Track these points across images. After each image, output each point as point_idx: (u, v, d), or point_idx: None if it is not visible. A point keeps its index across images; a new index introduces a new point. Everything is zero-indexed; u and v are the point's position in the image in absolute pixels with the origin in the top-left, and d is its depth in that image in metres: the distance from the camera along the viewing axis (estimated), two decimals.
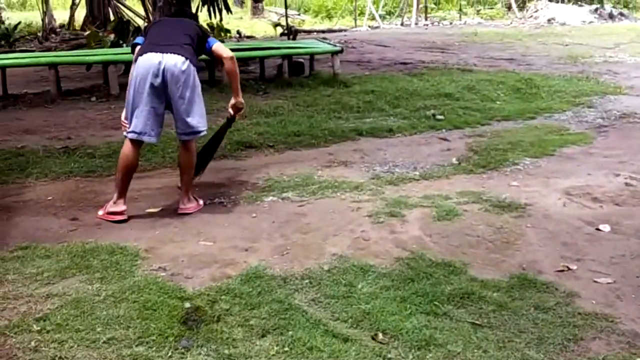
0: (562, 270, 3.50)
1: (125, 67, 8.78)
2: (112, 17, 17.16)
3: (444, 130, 6.58)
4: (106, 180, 5.07)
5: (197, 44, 4.33)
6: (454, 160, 5.52)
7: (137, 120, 4.20)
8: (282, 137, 6.18)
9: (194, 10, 9.29)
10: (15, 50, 14.25)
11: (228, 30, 12.04)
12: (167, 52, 4.13)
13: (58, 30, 18.31)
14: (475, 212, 4.31)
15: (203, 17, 10.07)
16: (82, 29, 17.56)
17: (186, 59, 4.16)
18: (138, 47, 4.34)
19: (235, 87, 4.50)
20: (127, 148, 4.29)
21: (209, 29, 11.25)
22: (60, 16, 19.91)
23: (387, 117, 7.01)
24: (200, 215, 4.36)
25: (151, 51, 4.16)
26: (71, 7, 18.78)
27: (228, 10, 11.24)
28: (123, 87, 8.31)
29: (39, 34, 17.94)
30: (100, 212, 4.33)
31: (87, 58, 8.46)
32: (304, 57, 9.47)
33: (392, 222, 4.14)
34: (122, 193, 4.31)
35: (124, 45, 10.02)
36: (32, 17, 20.74)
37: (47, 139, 6.33)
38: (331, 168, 5.37)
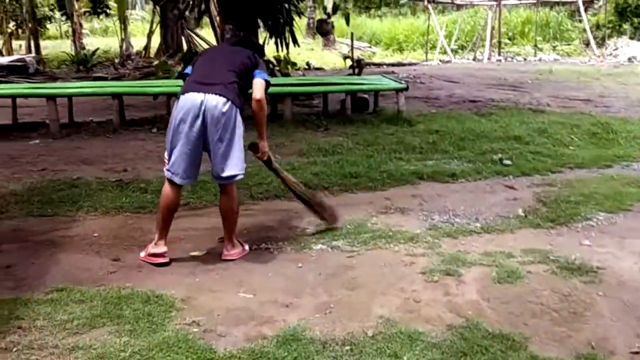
0: (638, 352, 3.09)
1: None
2: (185, 46, 17.56)
3: (510, 177, 6.18)
4: (154, 217, 4.94)
5: (245, 75, 4.16)
6: (520, 211, 5.13)
7: (174, 159, 4.06)
8: (338, 178, 5.94)
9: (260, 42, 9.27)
10: (91, 77, 14.71)
11: (294, 63, 11.98)
12: (209, 93, 3.98)
13: (133, 57, 18.85)
14: (541, 274, 3.92)
15: (271, 50, 10.03)
16: (156, 57, 18.04)
17: (228, 100, 4.00)
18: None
19: (259, 130, 4.28)
20: (167, 187, 4.16)
21: (274, 62, 11.27)
22: (139, 43, 20.46)
23: (450, 160, 6.68)
24: (244, 263, 4.16)
25: (193, 90, 4.01)
26: (148, 35, 19.31)
27: (295, 42, 11.21)
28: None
29: (116, 60, 18.53)
30: (142, 254, 4.19)
31: (149, 89, 8.52)
32: (368, 92, 9.25)
33: (447, 281, 3.81)
34: (162, 234, 4.17)
35: None
36: (112, 43, 21.41)
37: (104, 170, 6.31)
38: (387, 215, 5.08)
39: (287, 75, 11.27)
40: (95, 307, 3.46)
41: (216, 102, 3.96)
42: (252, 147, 4.34)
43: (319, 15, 22.54)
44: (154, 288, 3.72)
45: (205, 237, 4.60)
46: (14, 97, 8.21)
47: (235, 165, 4.11)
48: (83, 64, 18.22)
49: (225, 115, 3.99)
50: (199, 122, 3.96)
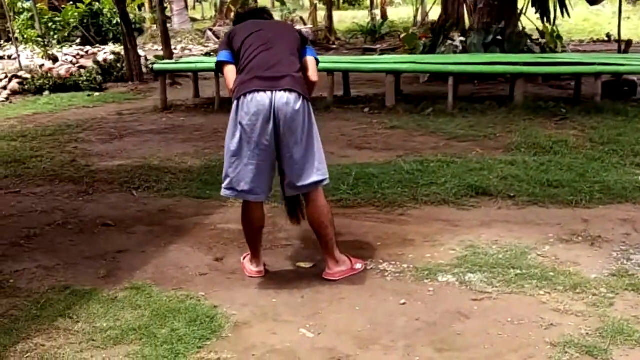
0: None
1: (430, 75, 8.02)
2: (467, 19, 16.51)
3: None
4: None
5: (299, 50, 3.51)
6: None
7: (242, 175, 3.38)
8: (532, 185, 4.74)
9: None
10: (361, 48, 14.73)
11: (559, 37, 10.30)
12: (277, 89, 3.25)
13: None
14: None
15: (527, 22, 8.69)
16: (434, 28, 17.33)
17: (299, 95, 3.27)
18: (231, 72, 3.45)
19: None
20: (245, 205, 3.56)
21: (540, 35, 9.83)
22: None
23: None
24: (341, 286, 3.42)
25: (258, 88, 3.27)
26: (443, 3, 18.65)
27: (564, 12, 9.63)
28: (402, 99, 7.75)
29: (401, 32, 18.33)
30: (243, 259, 3.73)
31: (364, 66, 7.93)
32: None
33: None
34: (254, 254, 3.63)
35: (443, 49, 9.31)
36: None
37: None
38: (567, 244, 3.85)
39: (553, 51, 9.76)
40: (142, 317, 3.09)
41: (287, 100, 3.24)
42: None
43: None
44: (220, 303, 3.23)
45: (347, 242, 3.96)
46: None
47: (318, 170, 3.39)
48: (372, 35, 18.45)
49: (300, 113, 3.28)
50: (270, 127, 3.26)
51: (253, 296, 3.34)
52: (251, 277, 3.58)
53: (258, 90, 3.27)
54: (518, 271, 3.47)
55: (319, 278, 3.52)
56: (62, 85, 10.00)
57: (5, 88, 10.05)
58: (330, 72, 7.56)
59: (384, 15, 23.50)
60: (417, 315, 3.09)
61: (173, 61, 9.57)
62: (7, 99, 9.59)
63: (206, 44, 20.52)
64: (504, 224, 4.22)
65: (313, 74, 3.49)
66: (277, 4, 27.10)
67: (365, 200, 4.70)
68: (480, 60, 7.46)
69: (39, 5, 13.43)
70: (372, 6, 25.10)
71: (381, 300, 3.26)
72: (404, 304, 3.21)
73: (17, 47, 11.28)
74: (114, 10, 22.99)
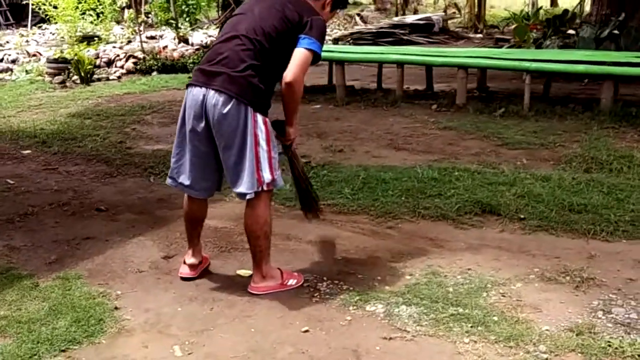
0: None
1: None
2: None
3: None
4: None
5: (284, 41, 3.03)
6: None
7: (178, 166, 3.23)
8: (550, 208, 4.07)
9: None
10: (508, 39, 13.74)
11: None
12: (210, 87, 2.99)
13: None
14: None
15: None
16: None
17: (230, 97, 2.96)
18: None
19: (287, 116, 3.18)
20: (185, 197, 3.38)
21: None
22: None
23: None
24: (258, 304, 3.14)
25: (195, 82, 3.07)
26: None
27: None
28: (481, 97, 7.06)
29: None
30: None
31: (432, 59, 7.31)
32: None
33: None
34: (190, 244, 3.45)
35: (548, 43, 8.43)
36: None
37: (323, 148, 5.72)
38: (547, 283, 3.25)
39: None
40: (39, 310, 3.05)
41: (215, 101, 2.97)
42: (276, 127, 3.20)
43: None
44: (124, 306, 3.11)
45: (298, 253, 3.70)
46: None
47: (246, 182, 3.07)
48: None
49: (228, 117, 2.98)
50: (202, 125, 3.05)
51: (163, 301, 3.18)
52: (183, 277, 3.42)
53: (195, 85, 3.08)
54: (460, 310, 2.99)
55: (245, 292, 3.27)
56: (171, 67, 10.40)
57: (122, 67, 10.67)
58: (399, 64, 7.09)
59: (554, 2, 21.88)
60: (308, 347, 2.75)
61: None
62: (118, 77, 10.16)
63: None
64: (493, 250, 3.67)
65: (289, 72, 3.00)
66: None
67: (361, 207, 4.32)
68: (557, 57, 6.58)
69: None
70: None
71: (285, 325, 2.95)
72: (305, 331, 2.88)
73: (138, 27, 11.91)
74: None
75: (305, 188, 3.52)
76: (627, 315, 2.91)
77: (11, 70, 11.54)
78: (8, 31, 22.73)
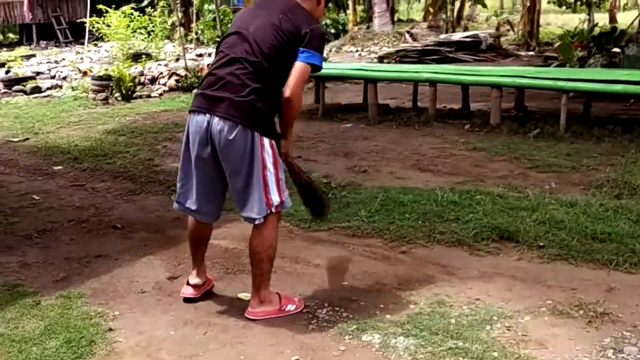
0: None
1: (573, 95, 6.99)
2: None
3: None
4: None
5: (285, 54, 2.97)
6: None
7: (184, 190, 3.21)
8: (572, 236, 3.87)
9: None
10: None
11: None
12: (214, 113, 2.95)
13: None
14: None
15: None
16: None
17: (236, 124, 2.92)
18: None
19: (283, 128, 3.15)
20: (190, 218, 3.35)
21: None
22: None
23: None
24: (252, 329, 3.07)
25: (197, 108, 3.03)
26: None
27: None
28: (517, 117, 6.83)
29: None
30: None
31: (462, 77, 7.12)
32: None
33: None
34: (194, 264, 3.41)
35: (591, 62, 8.14)
36: None
37: (347, 168, 5.63)
38: (558, 317, 3.07)
39: None
40: (35, 329, 3.05)
41: (220, 127, 2.94)
42: None
43: None
44: (119, 327, 3.09)
45: (304, 276, 3.62)
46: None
47: (253, 207, 3.03)
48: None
49: (235, 143, 2.95)
50: (208, 150, 3.01)
51: (159, 324, 3.14)
52: (186, 298, 3.38)
53: (198, 111, 3.05)
54: (459, 343, 2.84)
55: (241, 316, 3.20)
56: None
57: (165, 85, 10.84)
58: (432, 83, 6.95)
59: (613, 19, 21.32)
60: None
61: None
62: (160, 95, 10.32)
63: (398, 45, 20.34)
64: (507, 279, 3.50)
65: (287, 88, 2.98)
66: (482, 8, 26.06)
67: (376, 231, 4.21)
68: (596, 76, 6.30)
69: (222, 7, 14.30)
70: (589, 9, 22.94)
71: (277, 353, 2.86)
72: None
73: (183, 45, 12.10)
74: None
75: (307, 188, 3.41)
76: (638, 357, 2.71)
77: (60, 86, 11.88)
78: (66, 48, 23.57)
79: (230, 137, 2.93)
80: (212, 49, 14.58)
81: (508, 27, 22.76)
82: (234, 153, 2.97)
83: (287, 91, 2.95)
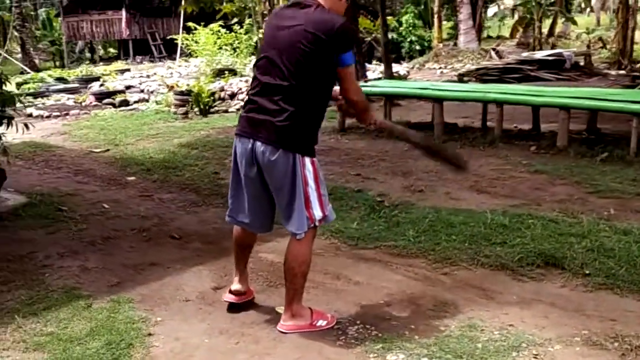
0: None
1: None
2: None
3: None
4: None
5: (312, 66, 3.03)
6: None
7: (239, 206, 3.36)
8: (621, 264, 3.74)
9: None
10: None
11: None
12: (257, 138, 3.11)
13: None
14: None
15: None
16: None
17: (276, 147, 3.06)
18: None
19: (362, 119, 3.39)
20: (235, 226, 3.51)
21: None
22: None
23: None
24: (282, 342, 3.16)
25: (241, 132, 3.20)
26: None
27: None
28: (574, 140, 6.58)
29: None
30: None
31: (528, 98, 6.95)
32: None
33: None
34: (236, 268, 3.57)
35: None
36: None
37: (403, 187, 5.67)
38: (590, 348, 2.99)
39: None
40: (82, 330, 3.28)
41: (263, 150, 3.09)
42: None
43: None
44: (158, 332, 3.26)
45: (345, 294, 3.69)
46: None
47: (294, 222, 3.16)
48: None
49: (277, 164, 3.10)
50: (255, 169, 3.18)
51: (195, 332, 3.29)
52: (231, 303, 3.52)
53: (242, 135, 3.21)
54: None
55: (272, 329, 3.30)
56: None
57: (242, 100, 11.19)
58: (499, 103, 6.85)
59: None
60: None
61: (362, 84, 9.63)
62: (237, 110, 10.66)
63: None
64: (545, 306, 3.44)
65: (347, 92, 3.15)
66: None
67: (421, 251, 4.23)
68: None
69: None
70: None
71: None
72: None
73: None
74: (410, 29, 23.93)
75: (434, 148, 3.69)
76: None
77: (147, 100, 12.50)
78: (159, 63, 24.72)
79: (273, 159, 3.07)
80: None
81: (600, 44, 22.02)
82: (276, 173, 3.11)
83: (351, 96, 3.19)
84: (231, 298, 3.51)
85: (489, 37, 32.57)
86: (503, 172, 5.87)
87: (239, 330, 3.31)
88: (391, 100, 7.90)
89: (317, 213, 3.17)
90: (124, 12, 27.20)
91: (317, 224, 3.19)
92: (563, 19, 27.45)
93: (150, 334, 3.25)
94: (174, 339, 3.21)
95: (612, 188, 5.19)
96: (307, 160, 3.13)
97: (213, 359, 3.03)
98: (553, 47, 20.27)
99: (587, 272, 3.74)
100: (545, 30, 28.75)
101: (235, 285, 3.53)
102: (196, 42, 17.14)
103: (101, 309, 3.53)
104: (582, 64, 15.23)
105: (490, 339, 3.10)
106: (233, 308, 3.51)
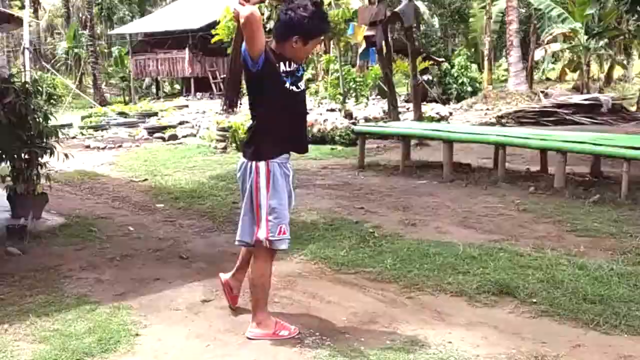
0: None
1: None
2: None
3: None
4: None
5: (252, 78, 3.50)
6: None
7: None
8: (567, 296, 4.08)
9: None
10: None
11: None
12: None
13: None
14: None
15: None
16: None
17: (244, 155, 3.68)
18: None
19: None
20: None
21: None
22: None
23: None
24: (246, 347, 3.66)
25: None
26: None
27: None
28: (573, 182, 6.83)
29: None
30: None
31: (524, 140, 7.27)
32: None
33: None
34: (237, 264, 4.17)
35: None
36: None
37: (398, 221, 6.10)
38: None
39: None
40: (82, 327, 3.86)
41: (240, 164, 3.72)
42: None
43: None
44: (146, 334, 3.81)
45: (323, 311, 4.17)
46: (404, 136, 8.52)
47: (246, 230, 3.72)
48: None
49: (242, 175, 3.68)
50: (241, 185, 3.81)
51: (176, 335, 3.82)
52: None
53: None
54: None
55: (242, 337, 3.81)
56: (321, 138, 11.36)
57: None
58: (499, 145, 7.24)
59: None
60: None
61: (378, 124, 10.14)
62: None
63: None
64: (488, 329, 3.82)
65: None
66: None
67: (394, 277, 4.66)
68: None
69: (345, 67, 15.27)
70: None
71: None
72: None
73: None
74: (462, 71, 24.33)
75: None
76: None
77: (194, 135, 13.34)
78: (218, 100, 25.84)
79: (238, 174, 3.70)
80: (335, 105, 15.54)
81: None
82: (244, 178, 3.67)
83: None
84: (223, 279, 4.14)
85: (548, 79, 32.60)
86: (494, 209, 6.25)
87: (214, 335, 3.82)
88: (407, 140, 8.37)
89: (261, 234, 3.62)
90: (187, 52, 28.74)
91: (266, 244, 3.64)
92: (625, 62, 27.36)
93: (137, 335, 3.81)
94: (156, 340, 3.75)
95: (590, 227, 5.50)
96: (262, 164, 3.57)
97: (182, 357, 3.55)
98: (600, 90, 20.26)
99: (534, 300, 4.10)
100: (602, 75, 28.68)
101: (225, 275, 4.18)
102: None
103: (102, 313, 4.12)
104: (633, 109, 15.28)
105: (426, 352, 3.51)
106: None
